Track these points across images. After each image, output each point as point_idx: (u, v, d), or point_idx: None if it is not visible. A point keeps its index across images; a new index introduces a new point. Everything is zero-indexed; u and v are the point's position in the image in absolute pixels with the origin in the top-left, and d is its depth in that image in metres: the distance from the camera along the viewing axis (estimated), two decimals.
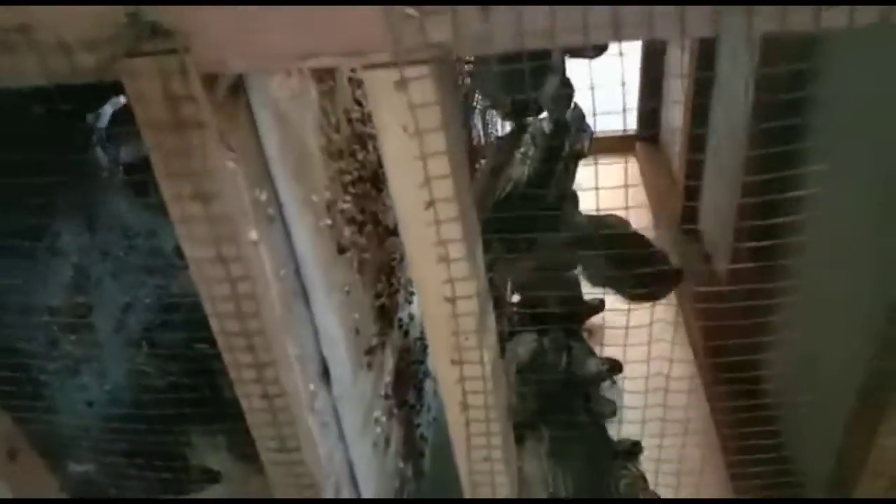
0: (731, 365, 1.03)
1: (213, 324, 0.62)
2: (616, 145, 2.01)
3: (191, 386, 1.02)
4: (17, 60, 0.50)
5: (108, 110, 0.96)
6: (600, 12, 0.45)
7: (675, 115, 1.82)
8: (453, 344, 0.64)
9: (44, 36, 0.49)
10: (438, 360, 0.66)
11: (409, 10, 0.45)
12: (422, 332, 1.21)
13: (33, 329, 0.95)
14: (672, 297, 1.50)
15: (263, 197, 0.59)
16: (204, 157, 0.52)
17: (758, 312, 0.99)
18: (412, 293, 1.19)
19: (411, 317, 1.16)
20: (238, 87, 0.54)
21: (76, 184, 0.97)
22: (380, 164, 0.95)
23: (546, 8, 0.45)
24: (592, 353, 1.40)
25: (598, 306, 1.68)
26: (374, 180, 0.89)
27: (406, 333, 1.12)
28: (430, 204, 0.55)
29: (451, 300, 0.61)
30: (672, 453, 0.91)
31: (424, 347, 1.24)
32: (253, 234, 0.58)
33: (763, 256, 0.98)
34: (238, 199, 0.55)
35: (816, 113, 0.89)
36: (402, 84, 0.49)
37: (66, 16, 0.48)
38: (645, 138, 2.05)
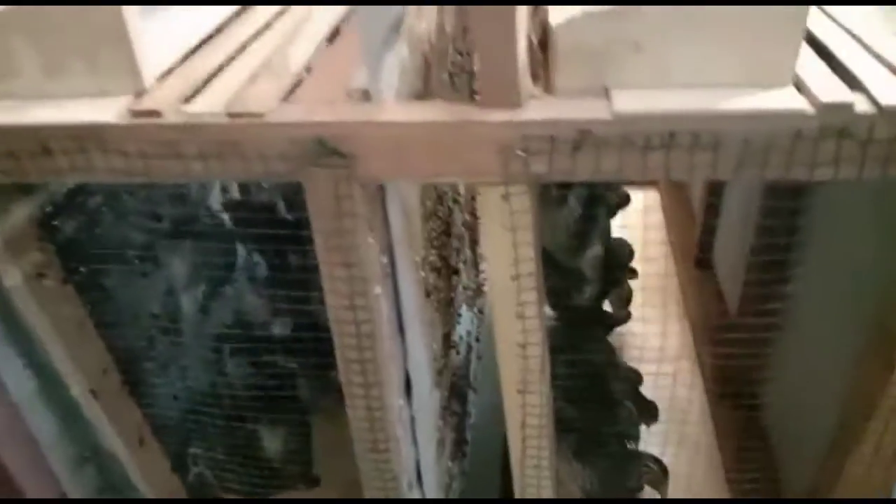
0: (735, 394, 1.21)
1: (337, 353, 0.81)
2: None
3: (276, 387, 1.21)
4: (224, 164, 0.69)
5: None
6: (657, 157, 0.64)
7: None
8: (520, 378, 0.82)
9: (249, 150, 0.67)
10: (507, 389, 0.85)
11: (519, 151, 0.64)
12: (468, 351, 1.40)
13: (150, 331, 1.14)
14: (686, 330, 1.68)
15: (385, 260, 0.78)
16: (353, 237, 0.71)
17: (761, 347, 1.17)
18: (459, 315, 1.38)
19: (460, 337, 1.35)
20: (381, 186, 0.72)
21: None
22: (450, 213, 1.13)
23: (616, 152, 0.63)
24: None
25: (624, 318, 1.85)
26: (447, 231, 1.08)
27: (458, 353, 1.31)
28: (516, 277, 0.73)
29: (523, 345, 0.79)
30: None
31: (468, 364, 1.43)
32: (378, 289, 0.76)
33: (769, 299, 1.16)
34: (372, 265, 0.74)
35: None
36: (506, 196, 0.67)
37: (269, 138, 0.66)
38: None
